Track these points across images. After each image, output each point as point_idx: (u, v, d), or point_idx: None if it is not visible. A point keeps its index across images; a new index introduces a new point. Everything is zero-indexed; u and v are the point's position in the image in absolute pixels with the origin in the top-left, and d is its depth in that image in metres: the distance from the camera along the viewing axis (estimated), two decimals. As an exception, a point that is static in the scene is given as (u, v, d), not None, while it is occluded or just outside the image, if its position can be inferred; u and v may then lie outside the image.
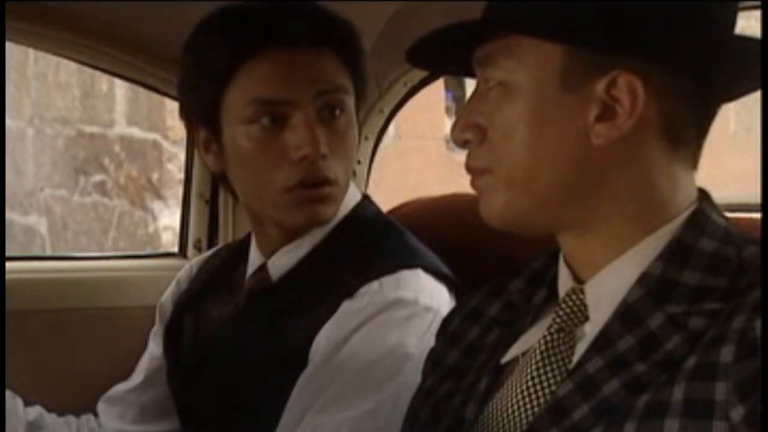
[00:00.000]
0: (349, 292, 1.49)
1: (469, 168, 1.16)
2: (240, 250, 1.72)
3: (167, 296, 1.81)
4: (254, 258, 1.65)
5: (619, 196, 1.10)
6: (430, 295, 1.49)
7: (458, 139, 1.15)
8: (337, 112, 1.53)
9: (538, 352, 1.14)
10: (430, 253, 1.57)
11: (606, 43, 1.07)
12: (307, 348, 1.49)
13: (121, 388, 1.83)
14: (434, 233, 1.66)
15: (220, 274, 1.74)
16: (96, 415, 1.85)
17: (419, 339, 1.45)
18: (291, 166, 1.52)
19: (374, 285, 1.49)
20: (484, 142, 1.13)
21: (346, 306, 1.49)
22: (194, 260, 1.86)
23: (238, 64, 1.52)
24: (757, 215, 1.44)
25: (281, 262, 1.61)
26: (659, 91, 1.08)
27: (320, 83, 1.53)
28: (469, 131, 1.14)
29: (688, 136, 1.12)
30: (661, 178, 1.11)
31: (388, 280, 1.49)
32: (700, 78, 1.10)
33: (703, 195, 1.14)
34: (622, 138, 1.08)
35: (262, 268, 1.63)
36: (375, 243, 1.57)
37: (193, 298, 1.75)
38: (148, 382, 1.79)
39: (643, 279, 1.09)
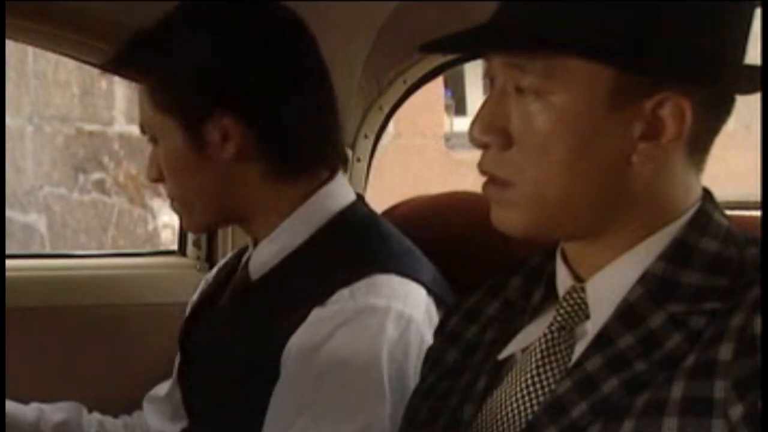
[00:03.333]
0: (320, 300, 1.48)
1: (485, 172, 1.13)
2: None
3: (195, 301, 1.80)
4: (250, 253, 1.65)
5: (639, 206, 1.10)
6: (403, 301, 1.47)
7: (478, 140, 1.11)
8: (156, 143, 1.61)
9: (538, 350, 1.14)
10: (414, 256, 1.55)
11: (665, 69, 1.06)
12: (279, 354, 1.48)
13: (161, 386, 1.83)
14: (433, 231, 1.66)
15: (230, 270, 1.73)
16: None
17: (392, 347, 1.44)
18: None
19: (344, 292, 1.47)
20: (507, 150, 1.10)
21: (317, 314, 1.47)
22: (229, 255, 1.85)
23: None
24: (756, 213, 1.44)
25: (259, 258, 1.60)
26: (697, 108, 1.08)
27: (139, 118, 1.63)
28: (491, 134, 1.10)
29: (707, 144, 1.12)
30: (677, 185, 1.11)
31: (359, 287, 1.47)
32: (728, 92, 1.11)
33: (707, 194, 1.14)
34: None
35: (247, 266, 1.63)
36: (353, 247, 1.55)
37: (207, 294, 1.75)
38: (176, 382, 1.79)
39: (645, 278, 1.09)
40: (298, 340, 1.47)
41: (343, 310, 1.46)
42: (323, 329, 1.46)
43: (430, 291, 1.51)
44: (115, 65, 1.63)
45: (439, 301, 1.50)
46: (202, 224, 1.69)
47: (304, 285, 1.52)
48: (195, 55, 1.55)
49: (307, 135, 1.59)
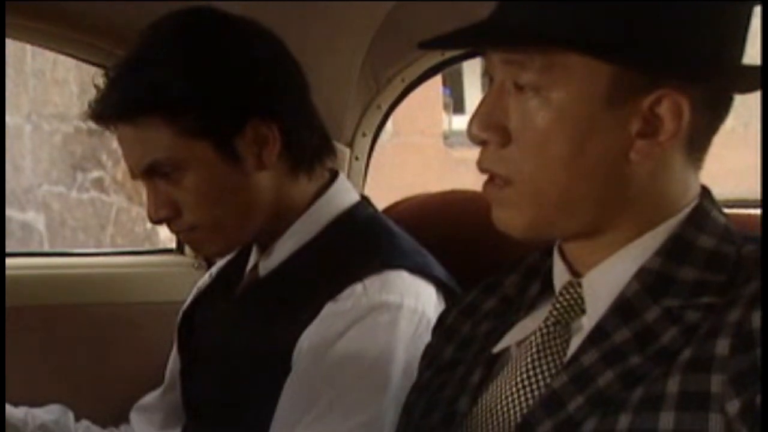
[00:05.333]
0: (333, 294, 1.48)
1: (484, 169, 1.13)
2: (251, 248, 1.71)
3: (189, 303, 1.79)
4: (253, 256, 1.65)
5: (637, 203, 1.10)
6: (415, 297, 1.48)
7: (477, 137, 1.11)
8: (174, 175, 1.53)
9: (533, 344, 1.14)
10: (422, 253, 1.56)
11: (662, 66, 1.06)
12: (290, 349, 1.48)
13: (150, 395, 1.83)
14: (432, 230, 1.66)
15: (229, 271, 1.73)
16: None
17: (406, 344, 1.44)
18: None
19: (358, 287, 1.47)
20: (506, 147, 1.10)
21: (330, 308, 1.48)
22: (218, 263, 1.84)
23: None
24: (755, 211, 1.44)
25: (270, 260, 1.60)
26: (695, 106, 1.08)
27: (143, 158, 1.53)
28: (490, 131, 1.10)
29: (705, 142, 1.12)
30: (675, 182, 1.11)
31: (371, 282, 1.47)
32: (726, 90, 1.11)
33: (705, 192, 1.14)
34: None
35: (257, 266, 1.63)
36: (362, 243, 1.56)
37: (204, 297, 1.75)
38: (170, 386, 1.79)
39: (641, 273, 1.09)
40: (310, 335, 1.48)
41: (357, 306, 1.46)
42: (336, 325, 1.46)
43: (440, 287, 1.52)
44: (131, 113, 1.52)
45: (449, 297, 1.51)
46: (229, 248, 1.63)
47: (315, 280, 1.52)
48: (214, 67, 1.51)
49: (314, 134, 1.59)
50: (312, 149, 1.59)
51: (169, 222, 1.57)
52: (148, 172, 1.54)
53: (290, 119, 1.55)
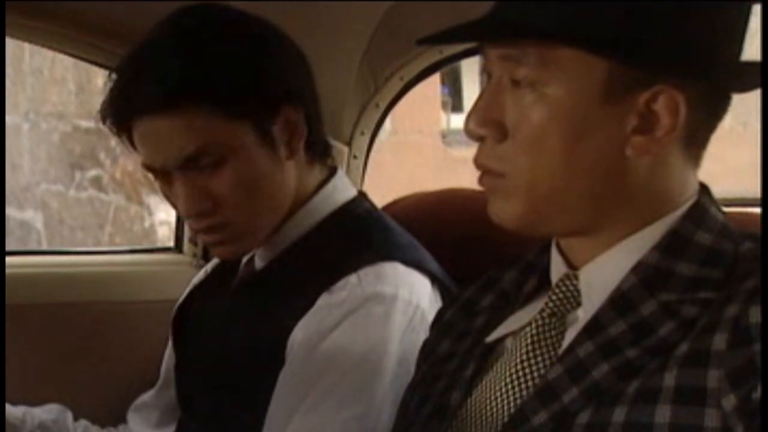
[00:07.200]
0: (327, 285, 1.48)
1: (480, 165, 1.13)
2: None
3: (184, 297, 1.79)
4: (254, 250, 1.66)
5: (635, 199, 1.10)
6: (410, 288, 1.48)
7: (474, 133, 1.12)
8: (211, 169, 1.50)
9: (528, 336, 1.14)
10: (418, 248, 1.56)
11: (658, 62, 1.06)
12: (285, 340, 1.49)
13: (146, 394, 1.83)
14: (430, 228, 1.66)
15: (224, 266, 1.73)
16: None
17: (401, 335, 1.45)
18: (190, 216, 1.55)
19: (352, 278, 1.47)
20: (502, 142, 1.10)
21: (324, 300, 1.48)
22: (214, 259, 1.84)
23: (128, 126, 1.53)
24: (754, 210, 1.44)
25: (266, 253, 1.61)
26: (692, 103, 1.08)
27: (184, 148, 1.49)
28: (487, 127, 1.11)
29: (704, 139, 1.13)
30: (673, 179, 1.11)
31: (366, 273, 1.48)
32: (724, 88, 1.11)
33: (703, 189, 1.14)
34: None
35: (252, 259, 1.63)
36: (357, 237, 1.56)
37: (200, 291, 1.76)
38: (166, 383, 1.79)
39: (638, 267, 1.10)
40: (304, 327, 1.48)
41: (351, 297, 1.46)
42: (330, 317, 1.46)
43: (434, 281, 1.52)
44: (179, 94, 1.48)
45: (443, 291, 1.51)
46: (251, 247, 1.60)
47: (310, 272, 1.53)
48: (252, 51, 1.52)
49: (322, 122, 1.61)
50: (326, 140, 1.60)
51: (202, 217, 1.54)
52: (185, 165, 1.50)
53: (312, 107, 1.57)
